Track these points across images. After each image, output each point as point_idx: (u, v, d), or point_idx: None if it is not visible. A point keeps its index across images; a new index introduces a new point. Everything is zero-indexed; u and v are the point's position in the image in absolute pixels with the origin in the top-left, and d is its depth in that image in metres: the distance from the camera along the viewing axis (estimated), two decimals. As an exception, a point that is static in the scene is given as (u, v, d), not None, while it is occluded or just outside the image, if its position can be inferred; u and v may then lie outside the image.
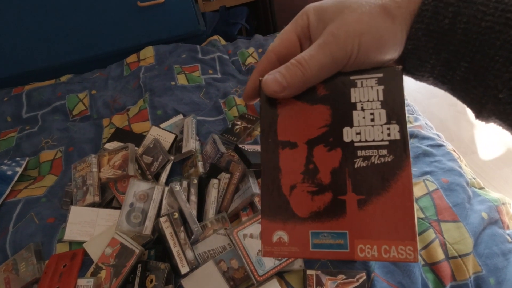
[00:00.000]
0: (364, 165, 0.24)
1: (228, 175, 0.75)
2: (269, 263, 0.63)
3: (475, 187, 0.80)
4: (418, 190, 0.75)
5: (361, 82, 0.25)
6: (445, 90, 0.25)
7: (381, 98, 0.25)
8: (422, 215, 0.71)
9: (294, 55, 0.26)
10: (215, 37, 1.36)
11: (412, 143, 0.86)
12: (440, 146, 0.87)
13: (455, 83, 0.23)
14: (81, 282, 0.65)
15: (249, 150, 0.79)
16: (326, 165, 0.25)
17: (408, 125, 0.95)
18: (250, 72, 1.18)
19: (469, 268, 0.65)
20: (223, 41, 1.37)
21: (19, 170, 0.91)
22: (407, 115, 0.26)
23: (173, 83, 1.11)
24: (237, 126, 0.94)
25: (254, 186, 0.71)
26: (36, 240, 0.75)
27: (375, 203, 0.24)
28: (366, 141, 0.25)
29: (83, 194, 0.78)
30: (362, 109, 0.25)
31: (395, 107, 0.24)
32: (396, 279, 0.63)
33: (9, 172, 0.90)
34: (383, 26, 0.23)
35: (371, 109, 0.25)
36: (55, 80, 1.27)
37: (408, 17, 0.23)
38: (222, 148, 0.81)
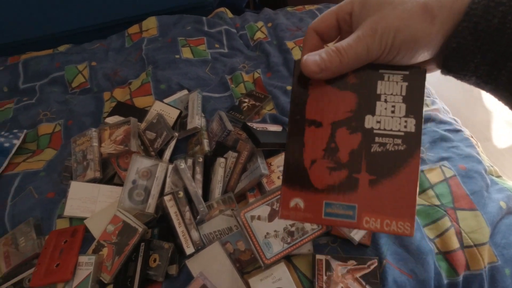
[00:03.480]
0: (380, 150, 0.27)
1: (235, 154, 0.72)
2: (277, 246, 0.61)
3: (492, 175, 0.76)
4: (434, 176, 0.72)
5: (388, 77, 0.28)
6: (487, 91, 0.25)
7: (403, 93, 0.27)
8: (437, 202, 0.68)
9: (331, 35, 0.29)
10: (222, 9, 1.28)
11: (429, 127, 0.82)
12: (458, 131, 0.83)
13: (499, 84, 0.23)
14: (82, 259, 0.63)
15: (258, 129, 0.75)
16: (346, 146, 0.28)
17: (425, 108, 0.90)
18: (259, 48, 1.12)
19: (484, 258, 0.63)
20: (230, 14, 1.29)
21: (17, 142, 0.87)
22: (424, 111, 0.29)
23: (177, 56, 1.05)
24: (245, 104, 0.90)
25: (262, 167, 0.68)
26: (35, 214, 0.72)
27: (384, 183, 0.27)
28: (385, 129, 0.27)
29: (83, 169, 0.75)
30: (385, 101, 0.28)
31: (414, 104, 0.27)
32: (409, 266, 0.61)
33: (7, 144, 0.86)
34: (419, 25, 0.23)
35: (393, 102, 0.27)
36: (52, 50, 1.20)
37: (450, 17, 0.23)
38: (229, 126, 0.77)
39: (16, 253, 0.68)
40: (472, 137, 0.84)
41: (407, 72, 0.27)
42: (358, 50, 0.25)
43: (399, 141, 0.27)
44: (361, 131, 0.28)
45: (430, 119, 0.83)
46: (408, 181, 0.26)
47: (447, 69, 0.25)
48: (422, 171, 0.73)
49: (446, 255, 0.63)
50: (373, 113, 0.28)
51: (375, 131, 0.27)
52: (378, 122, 0.27)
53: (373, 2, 0.25)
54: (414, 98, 0.27)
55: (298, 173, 0.28)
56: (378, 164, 0.27)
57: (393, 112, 0.27)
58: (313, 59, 0.26)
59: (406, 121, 0.27)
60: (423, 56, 0.25)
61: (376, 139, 0.27)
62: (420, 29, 0.23)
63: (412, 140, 0.26)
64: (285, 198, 0.28)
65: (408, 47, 0.24)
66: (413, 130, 0.27)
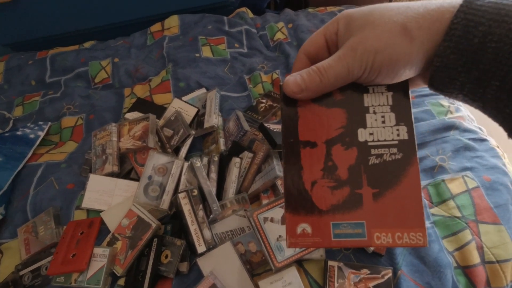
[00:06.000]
0: (377, 162, 0.27)
1: (251, 154, 0.71)
2: (289, 250, 0.60)
3: (519, 189, 0.72)
4: (456, 187, 0.69)
5: (373, 89, 0.28)
6: (475, 108, 0.25)
7: (390, 102, 0.28)
8: (458, 214, 0.65)
9: (322, 56, 0.28)
10: (243, 9, 1.28)
11: (452, 135, 0.79)
12: (483, 140, 0.80)
13: (486, 101, 0.23)
14: (97, 251, 0.65)
15: (275, 130, 0.75)
16: (344, 162, 0.28)
17: (449, 116, 0.87)
18: (278, 48, 1.12)
19: (507, 275, 0.60)
20: (251, 14, 1.29)
21: (41, 134, 0.91)
22: (413, 118, 0.28)
23: (197, 55, 1.06)
24: (262, 104, 0.89)
25: (278, 168, 0.67)
26: (55, 204, 0.75)
27: (388, 195, 0.26)
28: (379, 140, 0.27)
29: (102, 162, 0.76)
30: (374, 112, 0.28)
31: (402, 111, 0.27)
32: (425, 279, 0.59)
33: (32, 136, 0.89)
34: (399, 46, 0.24)
35: (382, 112, 0.28)
36: (78, 46, 1.24)
37: (429, 37, 0.23)
38: (246, 126, 0.77)
39: (36, 241, 0.70)
40: (498, 147, 0.80)
41: None
42: (338, 70, 0.25)
43: (394, 150, 0.27)
44: (356, 145, 0.28)
45: (454, 127, 0.80)
46: (411, 189, 0.26)
47: (434, 87, 0.26)
48: (443, 180, 0.70)
49: (466, 270, 0.61)
50: (364, 126, 0.28)
51: (369, 144, 0.27)
52: (371, 134, 0.28)
53: (356, 21, 0.25)
54: (401, 105, 0.27)
55: (301, 197, 0.28)
56: (378, 176, 0.27)
57: (383, 122, 0.27)
58: (294, 79, 0.27)
59: (398, 129, 0.27)
60: (405, 75, 0.25)
61: (372, 151, 0.27)
62: (400, 49, 0.24)
63: (408, 148, 0.27)
64: (291, 225, 0.27)
65: (388, 67, 0.24)
66: (406, 137, 0.27)
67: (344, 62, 0.25)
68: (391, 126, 0.27)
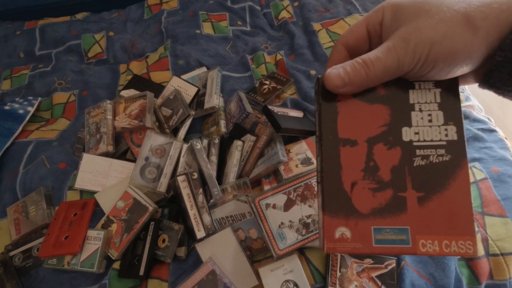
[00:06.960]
0: (423, 163, 0.25)
1: (253, 138, 0.68)
2: (291, 237, 0.58)
3: (526, 181, 0.71)
4: (463, 178, 0.67)
5: (419, 85, 0.26)
6: None
7: (438, 100, 0.26)
8: (465, 205, 0.64)
9: (362, 48, 0.27)
10: (247, -16, 1.21)
11: (461, 124, 0.76)
12: (492, 131, 0.77)
13: None
14: (91, 233, 0.62)
15: (279, 113, 0.71)
16: (386, 163, 0.26)
17: (458, 104, 0.84)
18: (283, 28, 1.06)
19: (511, 268, 0.59)
20: (255, -10, 1.22)
21: (31, 110, 0.86)
22: (463, 117, 0.27)
23: (197, 31, 1.00)
24: (265, 86, 0.85)
25: (281, 153, 0.64)
26: (47, 184, 0.71)
27: (434, 200, 0.24)
28: (425, 140, 0.25)
29: (96, 142, 0.73)
30: (420, 110, 0.26)
31: (452, 109, 0.25)
32: (428, 270, 0.58)
33: (21, 111, 0.85)
34: (460, 37, 0.21)
35: (429, 110, 0.26)
36: (70, 17, 1.17)
37: (496, 28, 0.21)
38: (249, 108, 0.73)
39: (26, 221, 0.67)
40: (506, 138, 0.78)
41: None
42: (387, 63, 0.23)
43: (442, 151, 0.25)
44: (400, 145, 0.26)
45: (464, 116, 0.77)
46: (460, 194, 0.24)
47: (489, 84, 0.23)
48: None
49: (469, 262, 0.60)
50: (409, 124, 0.26)
51: (415, 144, 0.26)
52: (417, 133, 0.26)
53: (406, 10, 0.23)
54: (451, 103, 0.25)
55: (339, 198, 0.26)
56: (424, 179, 0.25)
57: (430, 121, 0.26)
58: (337, 72, 0.25)
59: (446, 129, 0.25)
60: (461, 70, 0.23)
61: (417, 151, 0.25)
62: (461, 41, 0.21)
63: (457, 149, 0.25)
64: (328, 228, 0.25)
65: (445, 61, 0.22)
66: (455, 138, 0.25)
67: (394, 54, 0.23)
68: (439, 126, 0.25)
